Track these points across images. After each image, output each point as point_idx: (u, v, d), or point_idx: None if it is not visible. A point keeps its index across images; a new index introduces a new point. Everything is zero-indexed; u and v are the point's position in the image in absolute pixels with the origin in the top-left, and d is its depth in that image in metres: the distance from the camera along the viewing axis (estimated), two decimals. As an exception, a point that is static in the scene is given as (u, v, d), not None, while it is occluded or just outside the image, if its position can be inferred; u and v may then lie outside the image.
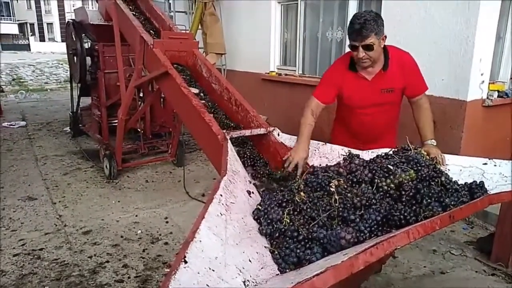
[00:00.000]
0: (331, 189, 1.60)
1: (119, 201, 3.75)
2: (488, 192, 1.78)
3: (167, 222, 3.34)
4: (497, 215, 2.72)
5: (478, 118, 3.51)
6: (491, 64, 3.48)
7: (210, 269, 1.09)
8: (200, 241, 1.16)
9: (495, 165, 2.00)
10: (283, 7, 5.52)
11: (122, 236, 3.09)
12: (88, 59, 4.95)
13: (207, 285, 1.02)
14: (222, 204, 1.49)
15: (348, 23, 2.06)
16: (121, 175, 4.39)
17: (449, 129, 3.49)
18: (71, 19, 4.99)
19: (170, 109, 5.08)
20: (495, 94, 3.51)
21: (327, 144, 2.36)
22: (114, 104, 4.92)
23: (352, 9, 4.44)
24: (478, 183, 1.80)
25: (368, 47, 2.01)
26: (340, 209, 1.54)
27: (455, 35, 3.33)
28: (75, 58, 4.99)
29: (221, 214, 1.42)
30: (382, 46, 2.09)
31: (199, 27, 5.86)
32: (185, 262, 1.02)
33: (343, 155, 2.17)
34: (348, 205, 1.54)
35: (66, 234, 3.12)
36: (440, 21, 3.41)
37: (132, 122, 4.34)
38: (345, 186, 1.62)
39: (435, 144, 2.19)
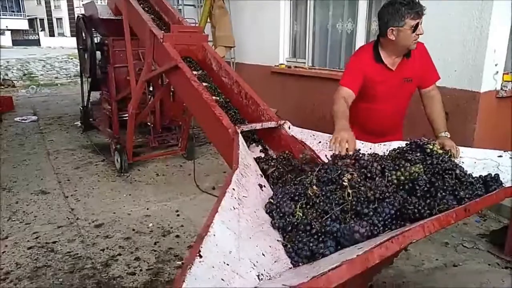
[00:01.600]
0: (344, 183, 1.58)
1: (130, 195, 3.78)
2: (503, 185, 1.75)
3: (178, 215, 3.36)
4: (511, 207, 2.68)
5: (491, 109, 3.45)
6: (505, 54, 3.41)
7: (224, 263, 1.09)
8: (214, 235, 1.16)
9: (510, 158, 1.97)
10: (292, -1, 5.48)
11: (133, 229, 3.12)
12: (98, 53, 4.97)
13: (222, 279, 1.02)
14: (235, 198, 1.49)
15: (396, 9, 1.99)
16: (132, 168, 4.42)
17: (462, 121, 3.44)
18: (81, 14, 5.01)
19: (180, 103, 5.09)
20: (509, 85, 3.45)
21: (338, 137, 2.34)
22: (124, 98, 4.94)
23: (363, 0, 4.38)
24: (493, 175, 1.77)
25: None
26: (354, 202, 1.53)
27: (468, 25, 3.27)
28: (85, 53, 5.01)
29: (234, 208, 1.42)
30: None
31: (208, 20, 5.84)
32: (200, 256, 1.02)
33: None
34: (362, 198, 1.53)
35: (79, 227, 3.16)
36: (454, 11, 3.35)
37: (142, 116, 4.35)
38: (359, 180, 1.60)
39: (449, 136, 2.17)
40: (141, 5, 3.97)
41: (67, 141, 5.63)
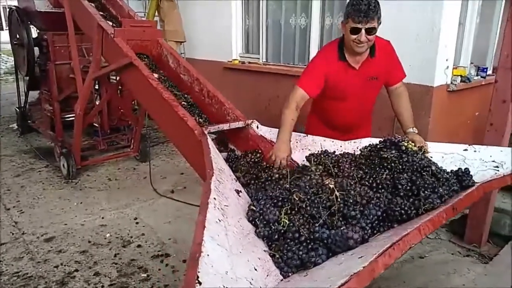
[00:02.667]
0: (331, 185, 1.52)
1: (81, 203, 3.48)
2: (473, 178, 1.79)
3: (137, 223, 3.15)
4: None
5: (443, 103, 3.59)
6: (454, 50, 3.56)
7: (224, 286, 0.98)
8: (208, 255, 1.04)
9: (475, 151, 2.03)
10: (244, -7, 5.36)
11: (89, 241, 2.87)
12: (36, 49, 4.55)
13: (226, 306, 0.91)
14: (218, 208, 1.38)
15: (348, 4, 1.97)
16: (80, 174, 4.10)
17: (417, 114, 3.50)
18: (14, 6, 4.54)
19: (129, 100, 4.81)
20: (458, 79, 3.60)
21: (308, 136, 2.30)
22: (67, 98, 4.59)
23: (316, -6, 4.37)
24: (464, 170, 1.81)
25: (371, 31, 1.96)
26: (341, 205, 1.48)
27: (422, 21, 3.36)
28: (21, 49, 4.57)
29: (220, 220, 1.31)
30: None
31: (156, 14, 5.57)
32: (200, 283, 0.90)
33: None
34: (350, 201, 1.48)
35: (26, 243, 2.85)
36: (408, 8, 3.43)
37: (91, 117, 4.06)
38: (351, 182, 1.56)
39: (417, 131, 2.21)
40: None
41: (3, 146, 5.11)
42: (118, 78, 4.81)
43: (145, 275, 2.48)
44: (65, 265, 2.58)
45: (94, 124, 4.57)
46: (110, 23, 3.38)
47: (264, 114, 5.07)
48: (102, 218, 3.22)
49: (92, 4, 3.55)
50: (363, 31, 1.95)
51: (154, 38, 3.17)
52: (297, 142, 2.27)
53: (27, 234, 2.97)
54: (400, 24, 3.46)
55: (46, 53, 4.51)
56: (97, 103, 4.43)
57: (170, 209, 3.35)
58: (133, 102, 5.10)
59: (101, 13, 3.56)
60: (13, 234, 2.98)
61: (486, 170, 1.92)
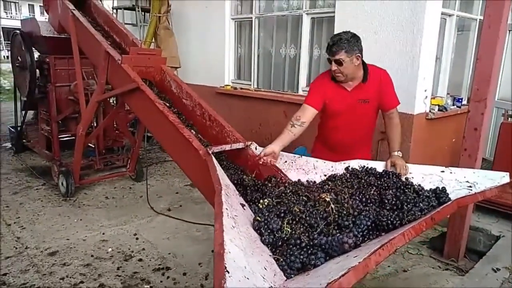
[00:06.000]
0: (327, 198, 1.75)
1: (81, 220, 3.61)
2: (449, 195, 2.04)
3: (137, 238, 3.29)
4: (447, 216, 3.05)
5: (423, 129, 3.90)
6: (432, 81, 3.90)
7: (245, 277, 1.18)
8: (230, 252, 1.24)
9: (451, 172, 2.28)
10: (236, 23, 5.69)
11: (92, 255, 3.00)
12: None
13: (250, 292, 1.10)
14: (230, 217, 1.58)
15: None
16: (78, 192, 4.22)
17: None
18: (18, 30, 4.73)
19: (125, 122, 4.99)
20: (436, 108, 3.93)
21: (302, 156, 2.52)
22: (64, 119, 4.78)
23: (306, 27, 4.70)
24: (441, 188, 2.06)
25: (339, 62, 2.28)
26: (336, 216, 1.70)
27: (403, 55, 3.69)
28: (23, 70, 4.73)
29: (233, 227, 1.51)
30: (356, 64, 2.32)
31: (153, 40, 5.83)
32: (228, 272, 1.10)
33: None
34: (343, 213, 1.70)
35: (30, 256, 2.96)
36: (389, 43, 3.76)
37: (92, 137, 4.22)
38: (345, 197, 1.78)
39: (401, 155, 2.44)
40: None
41: (-2, 164, 5.21)
42: (115, 101, 5.05)
43: (148, 286, 2.62)
44: (70, 277, 2.71)
45: (90, 144, 4.72)
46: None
47: (255, 137, 5.28)
48: (103, 234, 3.35)
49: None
50: (333, 62, 2.31)
51: (158, 65, 3.40)
52: (292, 163, 2.50)
53: (31, 248, 3.08)
54: (384, 58, 3.77)
55: (46, 75, 4.70)
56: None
57: (168, 226, 3.51)
58: (127, 124, 5.28)
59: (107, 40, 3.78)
60: (16, 248, 3.08)
61: (461, 190, 2.16)
